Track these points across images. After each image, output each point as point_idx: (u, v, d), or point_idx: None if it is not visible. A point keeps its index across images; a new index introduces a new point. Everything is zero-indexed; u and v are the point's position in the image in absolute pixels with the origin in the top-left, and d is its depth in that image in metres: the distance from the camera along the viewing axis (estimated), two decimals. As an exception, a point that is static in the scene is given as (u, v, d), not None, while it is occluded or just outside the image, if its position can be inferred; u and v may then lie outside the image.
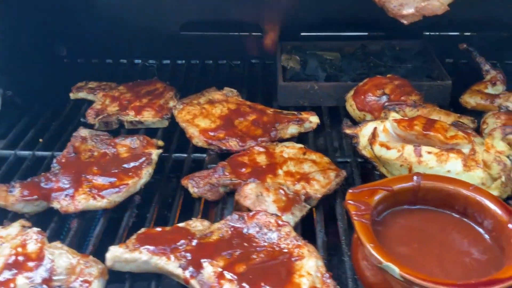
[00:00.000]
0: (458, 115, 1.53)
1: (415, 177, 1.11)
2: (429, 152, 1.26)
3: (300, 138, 1.62)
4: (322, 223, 1.25)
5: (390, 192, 1.09)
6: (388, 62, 1.94)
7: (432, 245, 1.02)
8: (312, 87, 1.77)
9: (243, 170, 1.37)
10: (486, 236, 1.04)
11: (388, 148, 1.34)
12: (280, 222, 1.15)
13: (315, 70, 1.84)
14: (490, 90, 1.76)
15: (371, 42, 2.06)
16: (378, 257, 0.91)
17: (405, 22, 1.37)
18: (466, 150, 1.25)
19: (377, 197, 1.07)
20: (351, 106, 1.67)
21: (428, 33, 2.12)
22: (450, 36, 2.14)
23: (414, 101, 1.58)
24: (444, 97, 1.76)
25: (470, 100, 1.71)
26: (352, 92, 1.68)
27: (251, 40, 2.16)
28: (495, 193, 1.20)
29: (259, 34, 2.14)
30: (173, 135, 1.62)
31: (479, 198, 1.06)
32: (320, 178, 1.34)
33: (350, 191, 1.09)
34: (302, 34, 2.14)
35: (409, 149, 1.30)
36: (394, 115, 1.43)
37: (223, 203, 1.33)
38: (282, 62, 1.91)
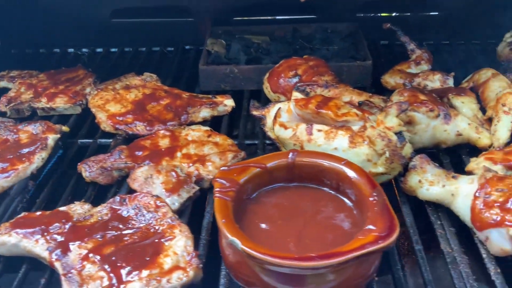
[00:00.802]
0: (370, 94, 1.51)
1: (290, 154, 1.10)
2: (319, 130, 1.24)
3: (216, 121, 1.60)
4: (212, 204, 1.24)
5: (263, 169, 1.07)
6: (316, 44, 1.91)
7: (297, 221, 1.00)
8: (232, 71, 1.75)
9: (140, 153, 1.35)
10: (355, 211, 1.02)
11: (285, 128, 1.32)
12: (158, 203, 1.13)
13: (237, 53, 1.82)
14: (413, 69, 1.74)
15: (303, 26, 2.03)
16: (226, 232, 0.90)
17: (301, -1, 1.35)
18: (356, 127, 1.23)
19: (248, 175, 1.05)
20: (267, 88, 1.65)
21: (361, 15, 2.10)
22: (384, 17, 2.11)
23: (326, 82, 1.56)
24: (365, 77, 1.74)
25: (390, 79, 1.69)
26: (267, 75, 1.65)
27: (184, 26, 2.14)
28: (381, 169, 1.19)
29: (191, 19, 2.12)
30: (85, 122, 1.61)
31: (349, 172, 1.04)
32: (216, 160, 1.32)
33: (221, 168, 1.07)
34: (235, 18, 2.12)
35: (302, 128, 1.27)
36: (296, 95, 1.41)
37: (117, 187, 1.31)
38: (207, 47, 1.88)
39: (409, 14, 2.09)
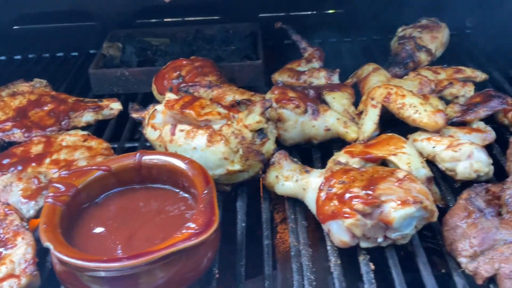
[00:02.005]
0: (252, 93, 1.52)
1: (137, 155, 1.09)
2: (182, 130, 1.24)
3: (102, 125, 1.58)
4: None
5: (108, 172, 1.06)
6: (215, 45, 1.92)
7: (135, 223, 1.00)
8: (123, 74, 1.73)
9: (7, 161, 1.33)
10: (195, 209, 1.02)
11: (155, 129, 1.31)
12: (7, 211, 1.11)
13: (130, 56, 1.81)
14: (304, 67, 1.75)
15: (207, 27, 2.04)
16: (42, 237, 0.88)
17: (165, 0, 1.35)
18: (217, 126, 1.23)
19: (88, 178, 1.04)
20: (154, 90, 1.64)
21: (264, 15, 2.11)
22: (287, 16, 2.13)
23: (210, 82, 1.56)
24: (257, 77, 1.75)
25: (279, 78, 1.70)
26: (154, 77, 1.65)
27: (88, 30, 2.11)
28: (237, 166, 1.19)
29: (95, 23, 2.10)
30: (-34, 131, 1.56)
31: (189, 171, 1.04)
32: (84, 164, 1.30)
33: (61, 172, 1.05)
34: (138, 21, 2.11)
35: (166, 128, 1.27)
36: (169, 96, 1.40)
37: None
38: (103, 50, 1.86)
39: (311, 12, 2.12)
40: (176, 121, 1.33)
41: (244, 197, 1.23)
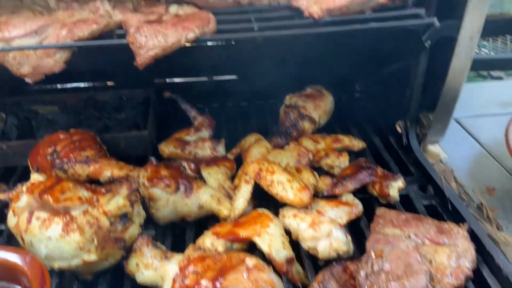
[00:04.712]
0: (131, 167, 1.49)
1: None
2: (38, 218, 1.18)
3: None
4: None
5: None
6: (106, 113, 1.89)
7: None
8: (0, 147, 1.65)
9: None
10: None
11: (14, 214, 1.24)
12: None
13: (10, 128, 1.74)
14: (193, 136, 1.75)
15: (100, 93, 2.01)
16: None
17: (29, 80, 1.31)
18: (77, 212, 1.19)
19: None
20: (29, 166, 1.57)
21: (160, 81, 2.12)
22: (183, 82, 2.15)
23: (87, 157, 1.52)
24: (145, 147, 1.73)
25: (165, 149, 1.69)
26: (30, 152, 1.58)
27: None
28: (93, 256, 1.14)
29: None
30: None
31: (30, 269, 0.98)
32: None
33: None
34: (29, 88, 2.05)
35: (24, 216, 1.21)
36: (34, 178, 1.34)
37: None
38: (-17, 121, 1.78)
39: (207, 78, 2.15)
40: (38, 206, 1.27)
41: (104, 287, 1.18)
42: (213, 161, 1.50)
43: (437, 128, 1.61)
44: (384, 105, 1.95)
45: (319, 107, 1.83)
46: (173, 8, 1.42)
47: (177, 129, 1.86)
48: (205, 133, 1.78)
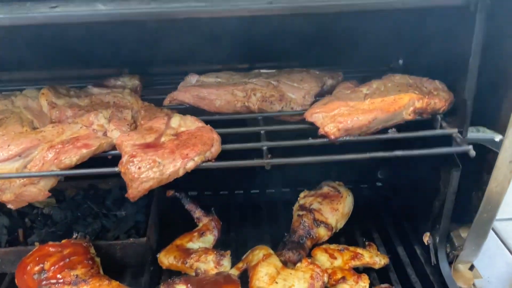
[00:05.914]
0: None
1: None
2: None
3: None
4: None
5: None
6: (104, 208, 1.75)
7: None
8: (-13, 255, 1.53)
9: None
10: None
11: None
12: None
13: (0, 230, 1.61)
14: (196, 242, 1.59)
15: (101, 181, 1.88)
16: None
17: (12, 207, 1.18)
18: None
19: None
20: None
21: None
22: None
23: (77, 276, 1.38)
24: (144, 255, 1.58)
25: (165, 260, 1.52)
26: (18, 266, 1.45)
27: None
28: None
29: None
30: None
31: None
32: None
33: None
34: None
35: None
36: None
37: None
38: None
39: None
40: None
41: None
42: (215, 285, 1.34)
43: (471, 249, 1.42)
44: (410, 202, 1.76)
45: (336, 210, 1.66)
46: (175, 121, 1.29)
47: (181, 223, 1.71)
48: (210, 237, 1.62)
